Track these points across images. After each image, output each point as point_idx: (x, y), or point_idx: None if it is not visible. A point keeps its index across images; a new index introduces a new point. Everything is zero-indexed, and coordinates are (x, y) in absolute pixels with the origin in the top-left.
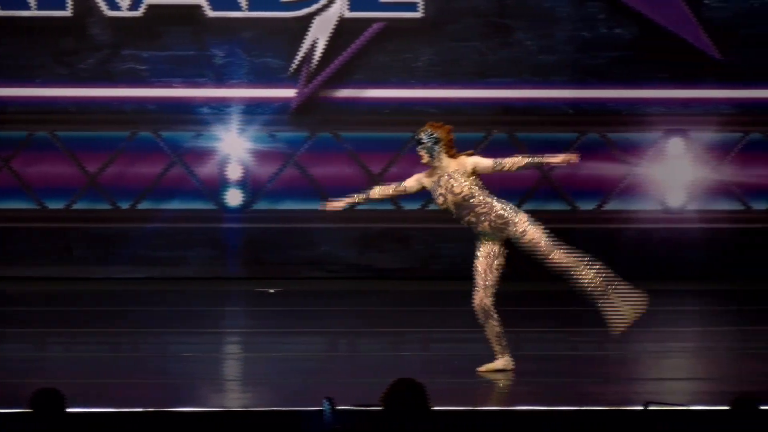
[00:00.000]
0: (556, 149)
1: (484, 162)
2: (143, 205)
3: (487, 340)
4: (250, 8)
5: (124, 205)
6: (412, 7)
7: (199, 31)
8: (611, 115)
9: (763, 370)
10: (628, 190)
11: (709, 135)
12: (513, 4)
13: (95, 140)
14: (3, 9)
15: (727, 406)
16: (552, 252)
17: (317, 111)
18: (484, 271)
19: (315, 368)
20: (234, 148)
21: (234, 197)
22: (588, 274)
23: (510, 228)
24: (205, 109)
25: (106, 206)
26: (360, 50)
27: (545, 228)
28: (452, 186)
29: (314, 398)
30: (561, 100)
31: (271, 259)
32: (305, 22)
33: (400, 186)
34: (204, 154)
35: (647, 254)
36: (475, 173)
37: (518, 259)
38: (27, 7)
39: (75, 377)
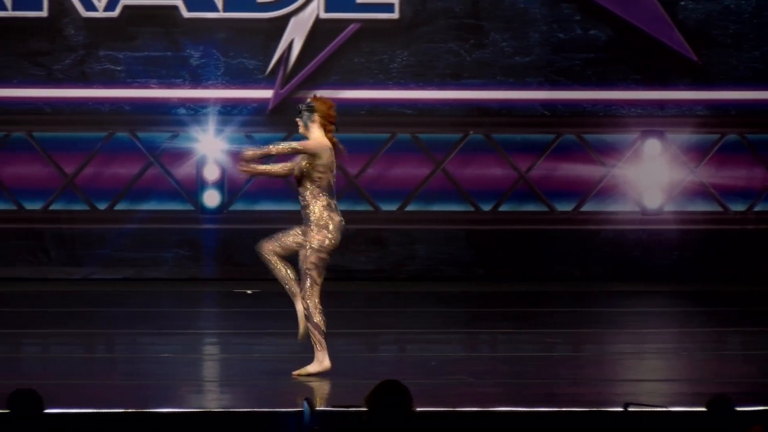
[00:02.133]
0: (532, 150)
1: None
2: (120, 206)
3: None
4: (226, 9)
5: (101, 206)
6: (388, 8)
7: (175, 32)
8: (587, 116)
9: (737, 372)
10: (605, 191)
11: (685, 136)
12: (488, 5)
13: (71, 141)
14: None
15: (703, 407)
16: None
17: (293, 112)
18: (287, 234)
19: (292, 369)
20: (211, 149)
21: (211, 198)
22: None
23: (307, 235)
24: (182, 110)
25: (83, 207)
26: (336, 51)
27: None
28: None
29: (292, 399)
30: (536, 101)
31: (247, 260)
32: (281, 22)
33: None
34: (181, 155)
35: (624, 255)
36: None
37: (490, 259)
38: (3, 8)
39: (51, 378)
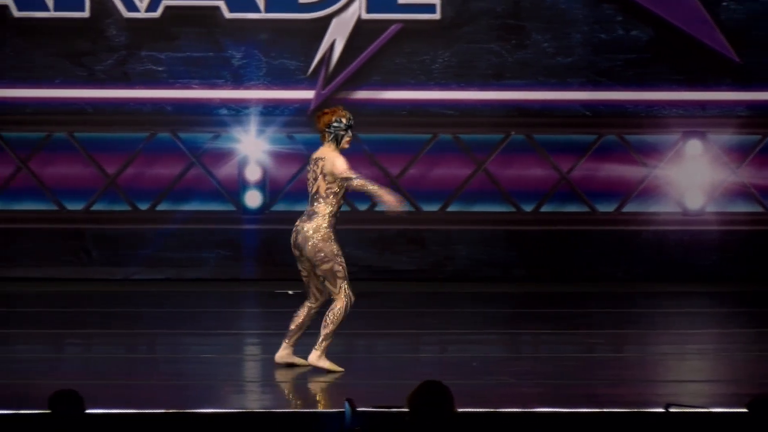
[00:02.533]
0: (573, 151)
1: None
2: (161, 207)
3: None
4: (268, 9)
5: (143, 207)
6: (430, 8)
7: (217, 33)
8: (628, 117)
9: None
10: (646, 192)
11: (726, 137)
12: (529, 5)
13: (113, 141)
14: (21, 10)
15: (744, 408)
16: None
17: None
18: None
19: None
20: (252, 149)
21: (253, 199)
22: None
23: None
24: (224, 111)
25: (125, 207)
26: (377, 52)
27: None
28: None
29: (333, 400)
30: (577, 102)
31: (288, 260)
32: (323, 23)
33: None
34: (222, 156)
35: (665, 256)
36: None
37: (531, 260)
38: (45, 8)
39: (93, 378)
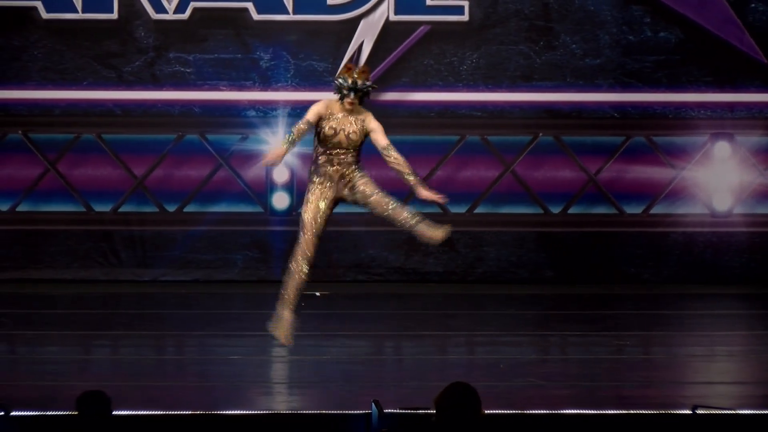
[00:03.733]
0: (602, 153)
1: (381, 136)
2: (190, 208)
3: (288, 290)
4: (296, 11)
5: (171, 208)
6: (458, 10)
7: (245, 34)
8: (657, 118)
9: None
10: (674, 193)
11: (755, 139)
12: (557, 7)
13: (141, 143)
14: (49, 11)
15: None
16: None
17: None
18: (314, 218)
19: (361, 371)
20: None
21: (280, 200)
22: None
23: (354, 174)
24: (252, 112)
25: (153, 209)
26: (405, 53)
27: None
28: (352, 130)
29: (360, 401)
30: (606, 103)
31: (316, 262)
32: (351, 25)
33: (303, 122)
34: (250, 157)
35: (693, 258)
36: (368, 135)
37: (558, 261)
38: (73, 10)
39: (120, 380)
